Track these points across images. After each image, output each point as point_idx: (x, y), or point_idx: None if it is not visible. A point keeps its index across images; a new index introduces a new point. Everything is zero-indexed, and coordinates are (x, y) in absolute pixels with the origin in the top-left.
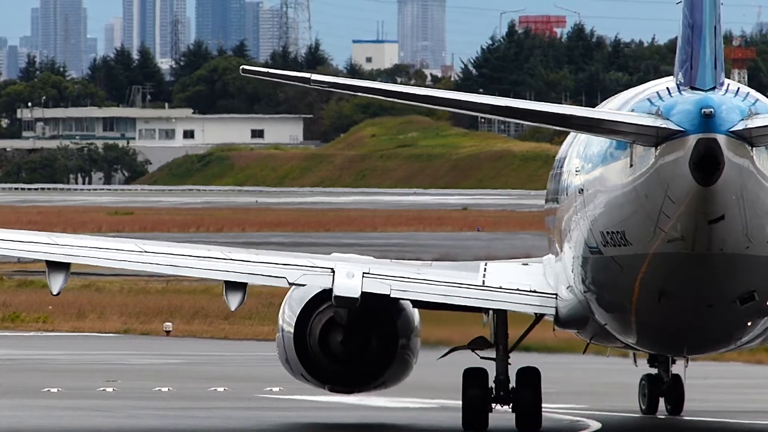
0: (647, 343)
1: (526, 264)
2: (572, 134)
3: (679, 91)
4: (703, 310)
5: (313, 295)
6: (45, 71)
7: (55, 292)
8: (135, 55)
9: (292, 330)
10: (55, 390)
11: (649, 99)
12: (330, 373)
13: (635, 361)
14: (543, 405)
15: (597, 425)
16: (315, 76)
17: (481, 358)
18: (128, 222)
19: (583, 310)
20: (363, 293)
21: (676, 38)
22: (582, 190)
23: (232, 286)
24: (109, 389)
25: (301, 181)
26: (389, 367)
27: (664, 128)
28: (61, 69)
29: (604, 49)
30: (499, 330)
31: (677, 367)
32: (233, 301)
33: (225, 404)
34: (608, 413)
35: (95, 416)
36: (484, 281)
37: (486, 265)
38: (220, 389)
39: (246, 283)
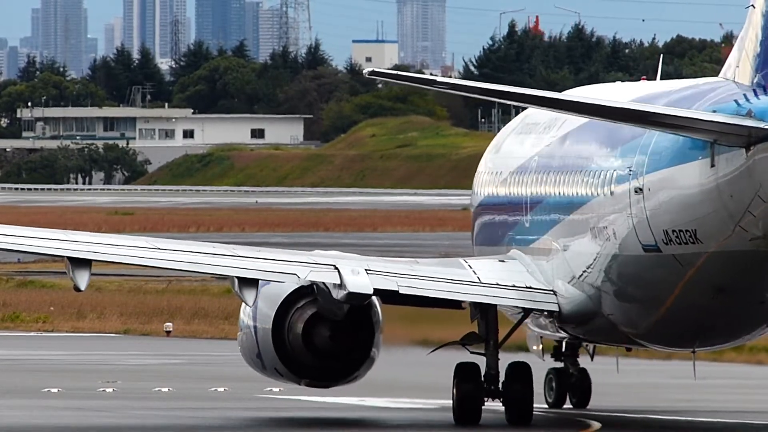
0: (660, 336)
1: (503, 261)
2: (519, 137)
3: (766, 93)
4: (755, 305)
5: (291, 291)
6: (45, 71)
7: (83, 288)
8: (135, 55)
9: (270, 326)
10: (55, 390)
11: (735, 101)
12: (310, 369)
13: (542, 356)
14: (543, 405)
15: (597, 425)
16: (441, 78)
17: (471, 353)
18: (128, 222)
19: (590, 305)
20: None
21: (673, 39)
22: (639, 189)
23: (246, 282)
24: (109, 389)
25: (301, 181)
26: (365, 361)
27: (763, 129)
28: (62, 69)
29: (604, 49)
30: (490, 325)
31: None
32: (249, 296)
33: (225, 404)
34: (608, 413)
35: (95, 416)
36: (479, 278)
37: (467, 261)
38: (220, 389)
39: (258, 279)
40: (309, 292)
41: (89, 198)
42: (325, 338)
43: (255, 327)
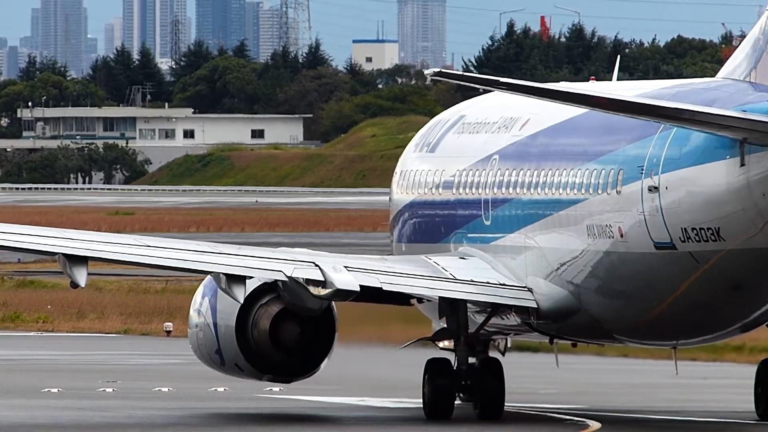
0: (647, 332)
1: (464, 258)
2: (463, 136)
3: None
4: (765, 302)
5: (253, 288)
6: (45, 71)
7: (82, 284)
8: (135, 55)
9: (233, 323)
10: (55, 390)
11: None
12: (275, 364)
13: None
14: (543, 405)
15: (597, 425)
16: (503, 80)
17: (441, 349)
18: (129, 222)
19: (573, 302)
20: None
21: (674, 39)
22: (654, 188)
23: (235, 279)
24: (109, 389)
25: (301, 181)
26: (326, 356)
27: None
28: (62, 69)
29: (604, 49)
30: (460, 321)
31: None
32: (239, 292)
33: (225, 404)
34: (608, 413)
35: (95, 416)
36: (452, 275)
37: (430, 258)
38: (220, 389)
39: (245, 276)
40: (269, 288)
41: (89, 198)
42: (295, 334)
43: (215, 324)
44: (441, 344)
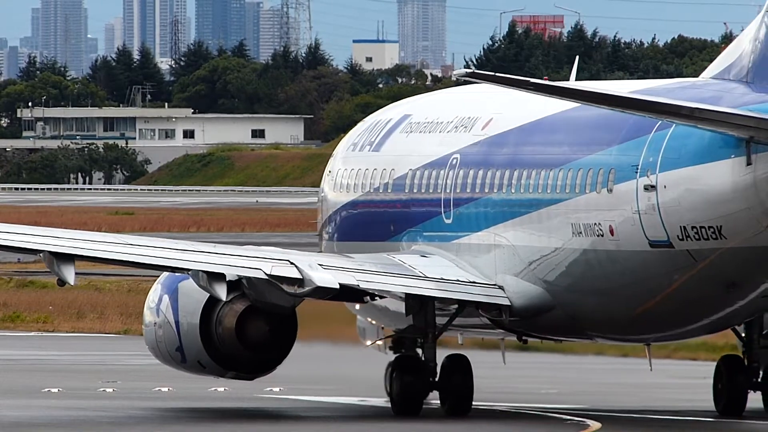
0: (626, 329)
1: (425, 256)
2: (413, 135)
3: None
4: (758, 299)
5: None
6: (45, 71)
7: (72, 282)
8: (135, 55)
9: (197, 321)
10: (55, 390)
11: None
12: (241, 361)
13: (385, 349)
14: (543, 405)
15: (597, 425)
16: (533, 80)
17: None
18: (129, 222)
19: (547, 299)
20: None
21: (674, 39)
22: (651, 187)
23: (215, 277)
24: (109, 389)
25: (301, 181)
26: (288, 353)
27: None
28: (62, 69)
29: (605, 49)
30: (428, 318)
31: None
32: (221, 290)
33: (225, 404)
34: (608, 413)
35: (95, 416)
36: (422, 272)
37: (393, 256)
38: (220, 389)
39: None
40: (233, 286)
41: (89, 198)
42: (263, 331)
43: (177, 321)
44: (368, 342)
